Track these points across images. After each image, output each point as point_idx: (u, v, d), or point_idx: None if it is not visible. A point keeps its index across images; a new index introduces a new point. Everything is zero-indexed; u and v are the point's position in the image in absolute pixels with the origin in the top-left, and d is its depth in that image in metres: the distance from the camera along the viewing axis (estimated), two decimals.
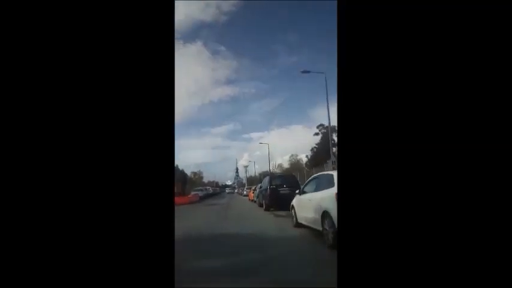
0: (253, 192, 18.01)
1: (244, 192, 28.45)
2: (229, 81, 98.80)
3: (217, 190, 48.91)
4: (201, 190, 27.46)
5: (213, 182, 74.19)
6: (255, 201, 15.83)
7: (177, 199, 18.69)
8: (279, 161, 48.69)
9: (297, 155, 47.23)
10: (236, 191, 49.31)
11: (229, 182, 77.85)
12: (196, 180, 54.48)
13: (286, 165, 47.76)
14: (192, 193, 25.25)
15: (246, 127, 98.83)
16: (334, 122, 13.43)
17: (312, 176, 5.19)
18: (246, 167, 62.40)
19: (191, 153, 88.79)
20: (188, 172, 61.70)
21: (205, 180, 71.49)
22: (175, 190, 23.18)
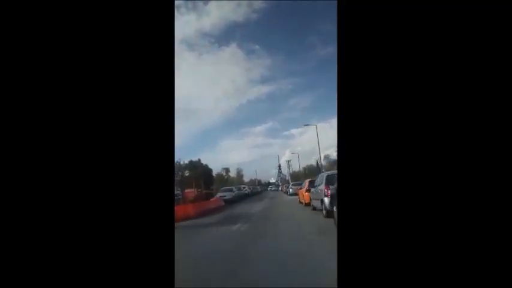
0: (308, 192, 9.94)
1: (290, 190, 20.47)
2: (265, 80, 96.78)
3: (258, 189, 40.62)
4: (230, 191, 19.75)
5: (255, 180, 68.57)
6: (314, 208, 7.87)
7: (179, 209, 10.58)
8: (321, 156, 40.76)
9: None
10: (280, 188, 41.93)
11: (272, 180, 72.58)
12: (228, 178, 47.47)
13: (334, 156, 40.15)
14: (218, 195, 17.88)
15: (286, 124, 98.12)
16: None
17: None
18: (288, 161, 54.35)
19: (233, 153, 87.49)
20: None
21: (246, 178, 65.80)
22: (196, 192, 15.86)
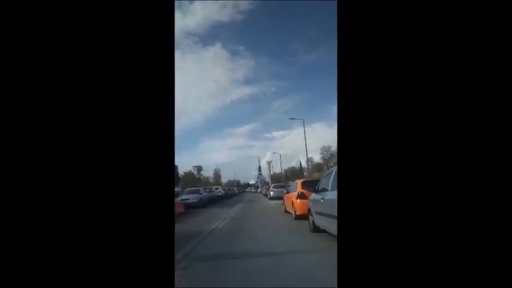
0: (301, 199, 6.41)
1: (271, 194, 17.05)
2: (248, 81, 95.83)
3: (235, 190, 36.92)
4: (196, 192, 15.79)
5: (233, 181, 64.80)
6: (317, 228, 4.12)
7: None
8: (303, 159, 38.42)
9: (330, 147, 35.99)
10: (259, 190, 38.58)
11: (252, 181, 70.15)
12: (200, 178, 43.04)
13: (317, 159, 37.85)
14: (179, 198, 13.91)
15: (268, 126, 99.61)
16: None
17: None
18: (269, 162, 50.58)
19: (214, 154, 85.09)
20: (210, 171, 49.74)
21: (224, 179, 61.92)
22: None
